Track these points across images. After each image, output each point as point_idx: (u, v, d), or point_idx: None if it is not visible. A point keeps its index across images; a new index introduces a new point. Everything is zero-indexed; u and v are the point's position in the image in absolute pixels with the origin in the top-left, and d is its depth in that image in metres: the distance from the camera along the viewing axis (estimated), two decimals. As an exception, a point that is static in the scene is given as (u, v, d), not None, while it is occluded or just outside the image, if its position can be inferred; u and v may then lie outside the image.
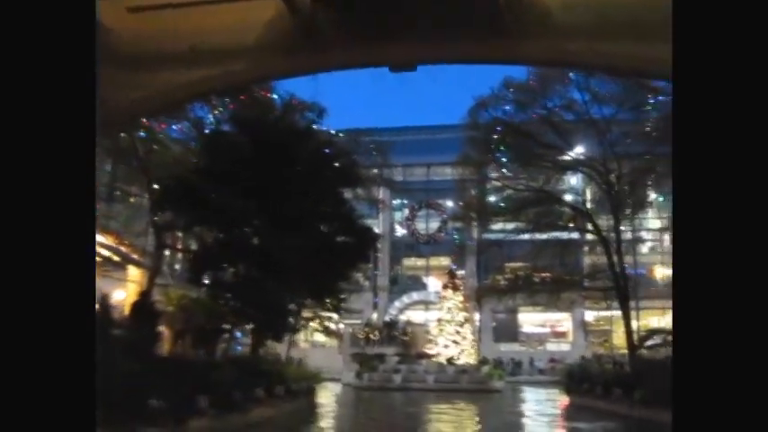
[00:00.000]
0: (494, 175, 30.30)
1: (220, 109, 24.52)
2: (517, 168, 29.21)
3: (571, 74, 24.55)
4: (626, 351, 50.57)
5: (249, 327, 23.22)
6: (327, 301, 25.99)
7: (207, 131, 23.64)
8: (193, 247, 23.67)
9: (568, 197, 31.85)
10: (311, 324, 32.89)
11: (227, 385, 15.96)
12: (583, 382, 23.53)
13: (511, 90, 25.61)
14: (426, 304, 54.69)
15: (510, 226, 32.77)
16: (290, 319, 23.59)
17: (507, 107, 26.27)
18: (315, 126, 23.11)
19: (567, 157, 28.67)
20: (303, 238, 19.55)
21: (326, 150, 22.40)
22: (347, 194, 25.15)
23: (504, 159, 28.86)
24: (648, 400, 17.30)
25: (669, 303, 47.00)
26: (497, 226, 41.77)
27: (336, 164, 22.09)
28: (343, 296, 28.90)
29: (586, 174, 29.23)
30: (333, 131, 24.40)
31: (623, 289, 25.27)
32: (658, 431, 15.86)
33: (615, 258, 25.80)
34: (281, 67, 13.30)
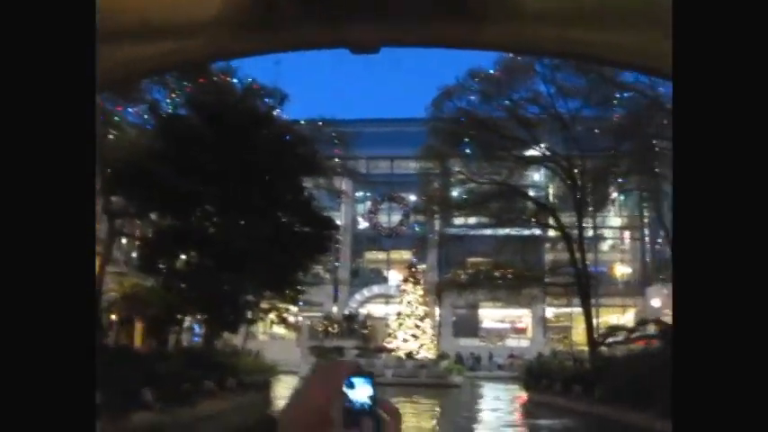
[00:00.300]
0: (457, 168, 29.82)
1: (178, 92, 23.73)
2: (481, 161, 28.70)
3: (537, 66, 24.24)
4: (585, 348, 51.04)
5: (202, 317, 22.46)
6: (286, 292, 25.26)
7: (163, 115, 22.78)
8: (147, 233, 22.88)
9: (531, 192, 31.69)
10: (269, 316, 32.15)
11: (175, 377, 15.32)
12: (542, 378, 23.28)
13: (476, 80, 25.17)
14: (387, 298, 54.28)
15: (472, 220, 32.52)
16: (246, 310, 22.89)
17: (472, 98, 25.81)
18: (276, 112, 22.47)
19: (531, 152, 28.43)
20: (261, 227, 18.91)
21: (287, 137, 21.66)
22: (308, 184, 24.49)
23: (467, 151, 28.41)
24: (608, 398, 17.06)
25: (628, 301, 47.88)
26: (459, 220, 41.73)
27: (297, 151, 21.36)
28: (301, 288, 28.34)
29: (550, 169, 28.98)
30: (294, 119, 23.70)
31: (585, 286, 25.13)
32: (617, 428, 15.64)
33: (578, 255, 25.64)
34: (239, 45, 12.68)
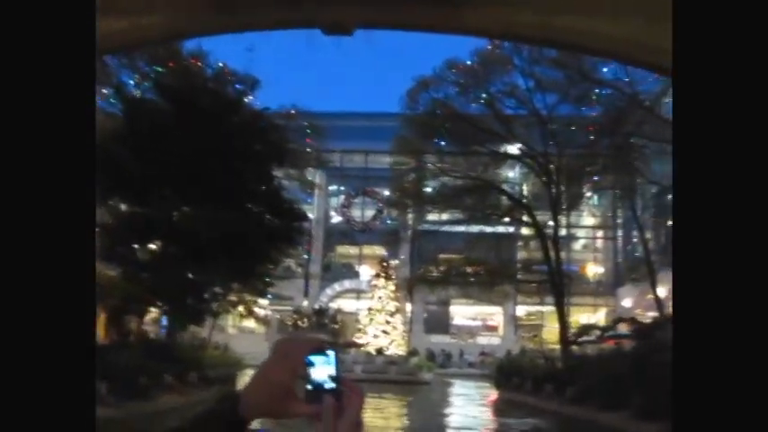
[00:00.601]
0: (431, 162, 29.23)
1: (146, 76, 22.99)
2: (455, 156, 28.14)
3: (515, 59, 23.76)
4: (556, 346, 51.05)
5: (166, 308, 21.66)
6: (254, 284, 24.53)
7: (130, 98, 21.98)
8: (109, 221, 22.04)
9: (506, 188, 31.19)
10: (237, 308, 31.40)
11: (133, 370, 14.63)
12: (513, 376, 22.86)
13: (453, 71, 24.63)
14: (358, 293, 53.84)
15: (445, 216, 32.11)
16: (212, 302, 22.15)
17: (449, 90, 25.24)
18: (247, 99, 21.77)
19: (507, 147, 28.01)
20: (228, 216, 18.21)
21: (258, 124, 20.87)
22: (279, 174, 23.78)
23: (442, 144, 27.86)
24: (580, 398, 16.68)
25: (599, 301, 47.85)
26: (433, 216, 41.36)
27: (267, 138, 20.58)
28: (270, 280, 27.66)
29: (526, 165, 28.51)
30: (266, 108, 22.90)
31: (558, 284, 24.79)
32: (590, 430, 15.26)
33: (552, 253, 25.30)
34: (199, 24, 12.14)
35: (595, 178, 28.32)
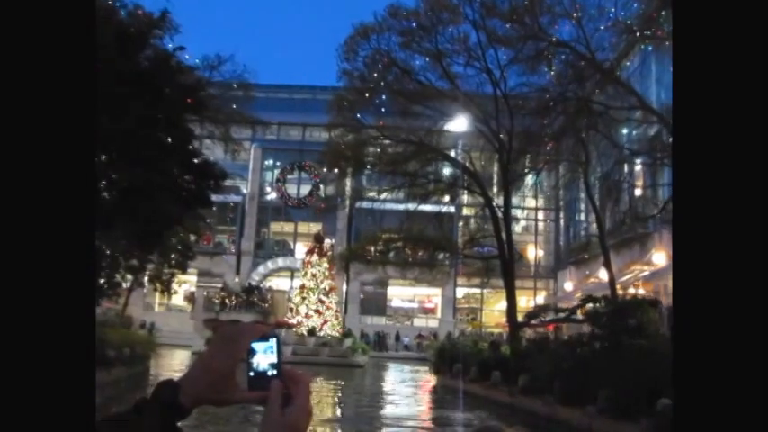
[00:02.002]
0: (370, 125, 26.24)
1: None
2: (395, 116, 25.16)
3: (466, 8, 21.22)
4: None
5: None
6: (167, 255, 21.69)
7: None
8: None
9: (452, 157, 28.75)
10: (155, 283, 28.52)
11: None
12: (455, 361, 20.51)
13: (396, 18, 21.94)
14: (293, 271, 51.42)
15: (384, 195, 29.76)
16: (114, 273, 19.27)
17: (391, 40, 22.48)
18: (160, 40, 18.80)
19: (453, 108, 25.24)
20: (130, 173, 15.43)
21: (168, 65, 17.82)
22: (195, 128, 20.83)
23: (383, 98, 24.91)
24: (534, 389, 14.49)
25: (540, 284, 46.72)
26: (372, 193, 39.23)
27: (179, 82, 17.58)
28: (190, 253, 24.97)
29: (476, 128, 25.68)
30: (181, 47, 19.70)
31: (508, 262, 22.72)
32: (552, 427, 13.10)
33: (504, 234, 23.20)
34: None
35: (548, 148, 25.93)
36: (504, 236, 22.91)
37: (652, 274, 31.10)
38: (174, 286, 31.50)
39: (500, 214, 23.88)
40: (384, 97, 24.17)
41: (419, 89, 23.13)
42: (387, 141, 25.17)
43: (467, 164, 27.06)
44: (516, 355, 16.86)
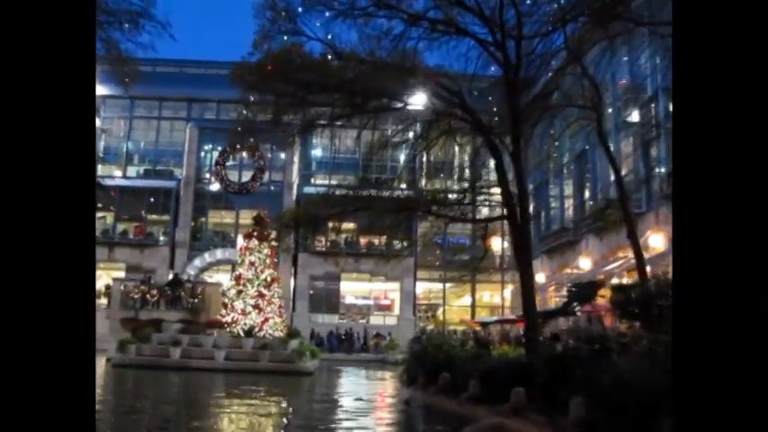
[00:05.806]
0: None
1: None
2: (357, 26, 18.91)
3: None
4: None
5: None
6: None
7: None
8: None
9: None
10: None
11: None
12: (441, 370, 14.64)
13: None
14: (233, 265, 45.38)
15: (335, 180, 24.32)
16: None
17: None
18: None
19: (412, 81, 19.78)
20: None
21: None
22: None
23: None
24: (585, 420, 9.05)
25: (506, 278, 42.05)
26: (322, 179, 33.59)
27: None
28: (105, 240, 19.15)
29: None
30: None
31: (523, 226, 17.25)
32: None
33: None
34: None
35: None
36: (513, 191, 17.45)
37: (648, 260, 26.31)
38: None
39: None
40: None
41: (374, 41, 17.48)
42: (338, 61, 18.92)
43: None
44: (551, 362, 10.80)
